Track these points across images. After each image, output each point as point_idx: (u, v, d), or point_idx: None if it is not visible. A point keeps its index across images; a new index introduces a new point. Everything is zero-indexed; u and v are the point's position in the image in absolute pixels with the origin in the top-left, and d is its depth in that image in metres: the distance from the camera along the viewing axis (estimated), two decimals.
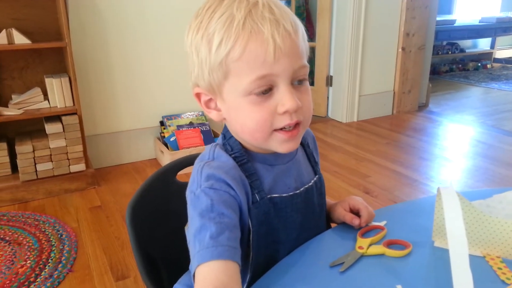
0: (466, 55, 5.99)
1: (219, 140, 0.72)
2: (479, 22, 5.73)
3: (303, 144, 0.78)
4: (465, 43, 6.08)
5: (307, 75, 0.65)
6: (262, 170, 0.69)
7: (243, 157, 0.68)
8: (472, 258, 0.60)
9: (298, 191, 0.72)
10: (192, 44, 0.64)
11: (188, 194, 0.66)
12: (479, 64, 5.79)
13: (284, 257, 0.69)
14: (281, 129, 0.63)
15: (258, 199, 0.66)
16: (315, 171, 0.78)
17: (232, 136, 0.70)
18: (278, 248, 0.70)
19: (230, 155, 0.68)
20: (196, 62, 0.65)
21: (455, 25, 5.42)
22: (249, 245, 0.67)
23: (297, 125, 0.64)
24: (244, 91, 0.61)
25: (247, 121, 0.64)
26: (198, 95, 0.69)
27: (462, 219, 0.63)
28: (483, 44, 6.29)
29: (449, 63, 5.82)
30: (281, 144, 0.65)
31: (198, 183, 0.64)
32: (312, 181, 0.76)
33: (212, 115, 0.69)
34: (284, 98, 0.61)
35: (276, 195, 0.69)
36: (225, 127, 0.72)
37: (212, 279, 0.56)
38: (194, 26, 0.64)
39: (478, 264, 0.66)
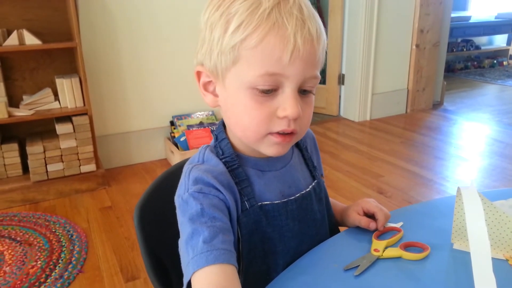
0: (481, 52, 5.88)
1: (211, 142, 0.69)
2: (495, 18, 5.64)
3: (301, 149, 0.75)
4: (481, 40, 5.97)
5: (315, 88, 0.62)
6: (253, 175, 0.66)
7: (234, 162, 0.65)
8: (494, 261, 0.57)
9: (292, 198, 0.68)
10: (208, 20, 0.61)
11: (176, 198, 0.63)
12: (495, 61, 5.69)
13: (284, 268, 0.66)
14: (276, 132, 0.60)
15: (247, 207, 0.63)
16: (314, 176, 0.74)
17: (224, 138, 0.67)
18: (276, 259, 0.67)
19: (220, 159, 0.65)
20: (207, 40, 0.61)
21: (470, 21, 5.34)
22: (239, 254, 0.63)
23: (291, 133, 0.61)
24: (248, 83, 0.58)
25: (244, 117, 0.61)
26: (198, 74, 0.65)
27: (484, 220, 0.60)
28: (499, 40, 6.18)
29: (464, 60, 5.72)
30: (270, 147, 0.62)
31: (185, 187, 0.62)
32: (310, 186, 0.72)
33: (208, 98, 0.66)
34: (287, 103, 0.58)
35: (268, 202, 0.65)
36: (218, 127, 0.69)
37: (210, 284, 0.53)
38: (215, 2, 0.60)
39: (500, 267, 0.63)
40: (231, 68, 0.59)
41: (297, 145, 0.75)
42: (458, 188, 0.66)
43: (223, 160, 0.65)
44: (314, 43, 0.57)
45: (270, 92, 0.58)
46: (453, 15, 4.05)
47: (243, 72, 0.58)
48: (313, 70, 0.59)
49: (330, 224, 0.77)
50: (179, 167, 0.90)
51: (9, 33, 2.09)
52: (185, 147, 2.52)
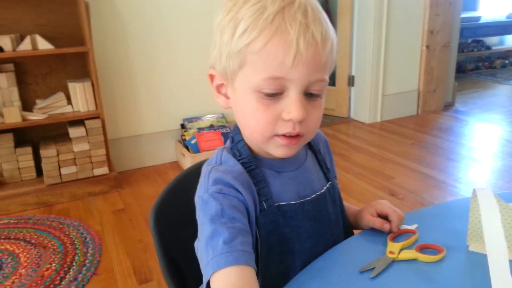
0: (492, 53, 5.83)
1: (227, 143, 0.70)
2: (506, 18, 5.58)
3: (314, 151, 0.75)
4: (492, 40, 5.91)
5: (324, 91, 0.63)
6: (269, 176, 0.67)
7: (251, 163, 0.66)
8: (510, 263, 0.56)
9: (308, 198, 0.69)
10: (219, 24, 0.62)
11: (196, 199, 0.64)
12: (507, 62, 5.63)
13: (301, 268, 0.66)
14: (282, 134, 0.62)
15: (265, 207, 0.64)
16: (328, 178, 0.75)
17: (240, 140, 0.68)
18: (294, 259, 0.67)
19: (238, 160, 0.66)
20: (217, 44, 0.63)
21: (480, 21, 5.29)
22: (257, 255, 0.64)
23: (298, 136, 0.62)
24: (254, 86, 0.60)
25: (251, 119, 0.62)
26: (211, 77, 0.67)
27: (500, 222, 0.59)
28: (511, 40, 6.11)
29: (475, 61, 5.67)
30: (277, 148, 0.63)
31: (205, 188, 0.62)
32: (325, 188, 0.72)
33: (220, 100, 0.68)
34: (291, 106, 0.59)
35: (285, 202, 0.66)
36: (234, 129, 0.70)
37: (229, 285, 0.54)
38: (227, 7, 0.62)
39: None
40: (238, 72, 0.61)
41: (310, 147, 0.75)
42: (474, 189, 0.66)
43: (241, 161, 0.66)
44: (318, 47, 0.58)
45: (275, 95, 0.59)
46: (463, 15, 4.03)
47: (249, 76, 0.60)
48: (319, 74, 0.60)
49: (344, 226, 0.77)
50: (193, 169, 0.91)
51: (22, 38, 2.12)
52: (196, 149, 2.54)
